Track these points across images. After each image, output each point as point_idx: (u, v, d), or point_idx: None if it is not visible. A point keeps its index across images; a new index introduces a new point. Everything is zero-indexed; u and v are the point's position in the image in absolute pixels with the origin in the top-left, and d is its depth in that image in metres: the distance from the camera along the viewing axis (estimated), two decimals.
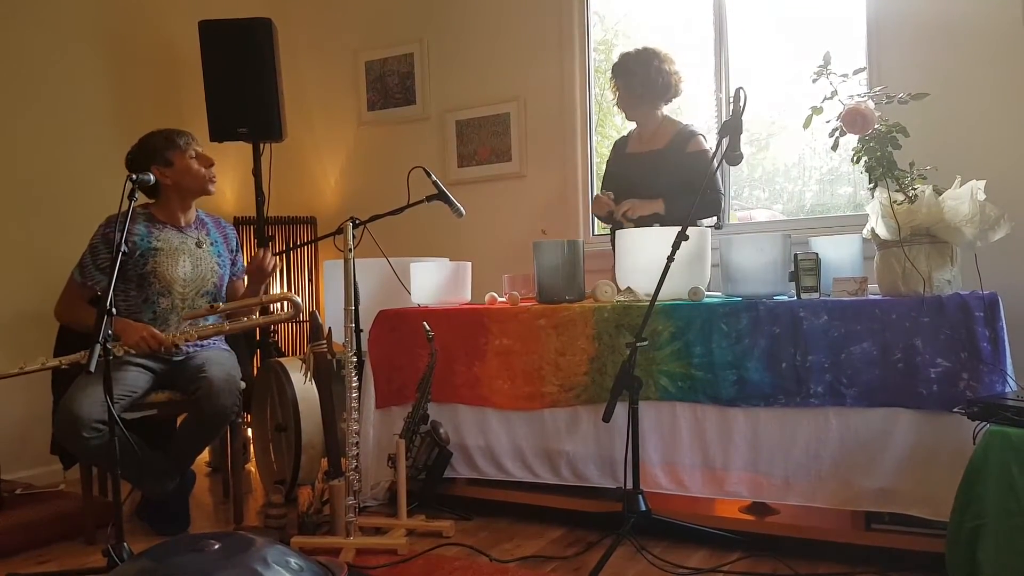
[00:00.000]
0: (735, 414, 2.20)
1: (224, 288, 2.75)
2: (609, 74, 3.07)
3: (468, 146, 3.86)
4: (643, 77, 2.97)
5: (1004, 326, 1.94)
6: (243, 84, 3.37)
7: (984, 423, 1.70)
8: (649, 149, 3.06)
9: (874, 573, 1.94)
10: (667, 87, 3.01)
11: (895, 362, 2.02)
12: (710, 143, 3.01)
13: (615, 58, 3.09)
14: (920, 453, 1.98)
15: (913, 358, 1.99)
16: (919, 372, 1.98)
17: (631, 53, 3.02)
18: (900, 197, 2.04)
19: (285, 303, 2.65)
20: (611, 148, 3.24)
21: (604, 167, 3.25)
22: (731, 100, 2.10)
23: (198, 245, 2.67)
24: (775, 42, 3.39)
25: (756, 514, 2.26)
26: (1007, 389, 1.90)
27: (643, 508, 2.14)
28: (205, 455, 3.41)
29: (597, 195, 3.08)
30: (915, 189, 2.05)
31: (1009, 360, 1.94)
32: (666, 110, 3.08)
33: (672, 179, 2.95)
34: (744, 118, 2.08)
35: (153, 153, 2.56)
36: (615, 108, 3.25)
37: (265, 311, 2.66)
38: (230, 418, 2.47)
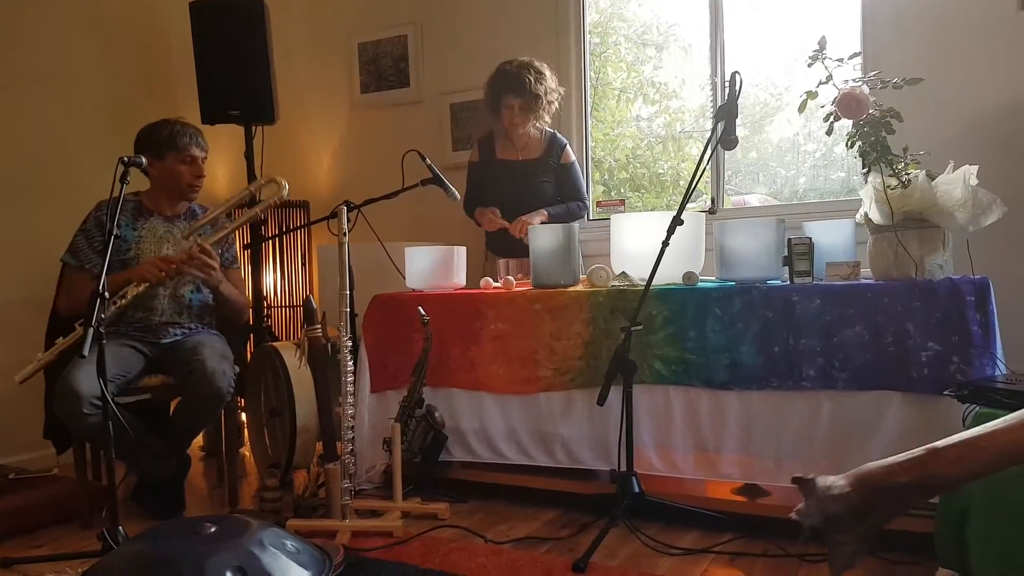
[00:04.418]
0: (728, 397, 2.22)
1: None
2: (502, 95, 3.03)
3: (463, 129, 3.84)
4: (541, 105, 3.04)
5: (995, 310, 1.96)
6: (235, 66, 3.34)
7: (974, 406, 1.71)
8: (524, 158, 3.15)
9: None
10: (557, 102, 3.13)
11: (887, 346, 2.03)
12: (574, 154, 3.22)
13: (611, 43, 3.11)
14: (910, 435, 1.99)
15: (904, 342, 2.01)
16: (910, 356, 2.00)
17: (525, 77, 2.98)
18: (893, 182, 2.05)
19: (270, 186, 2.66)
20: (475, 146, 3.27)
21: (472, 166, 3.28)
22: (726, 84, 2.09)
23: (185, 236, 2.66)
24: (770, 26, 3.38)
25: (748, 495, 2.28)
26: (997, 372, 1.92)
27: (636, 490, 2.16)
28: (199, 439, 3.41)
29: (485, 213, 3.10)
30: (908, 174, 2.06)
31: (999, 344, 1.96)
32: None
33: (548, 189, 3.12)
34: (739, 102, 2.08)
35: (153, 143, 2.59)
36: (605, 91, 3.26)
37: (254, 202, 2.70)
38: (224, 401, 2.47)
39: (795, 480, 1.20)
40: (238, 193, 2.67)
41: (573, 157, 3.18)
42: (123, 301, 2.41)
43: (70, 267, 2.56)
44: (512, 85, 3.00)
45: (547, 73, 3.06)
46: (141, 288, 2.44)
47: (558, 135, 3.19)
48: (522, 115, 3.04)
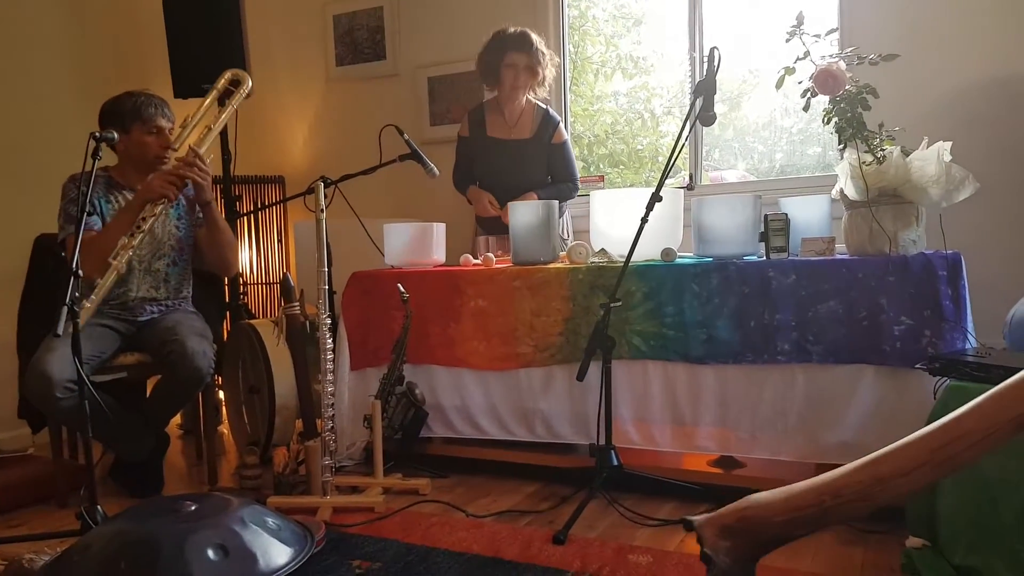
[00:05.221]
0: (704, 371, 2.25)
1: (187, 248, 2.67)
2: (505, 53, 2.98)
3: (441, 104, 3.80)
4: (544, 66, 3.01)
5: (966, 285, 2.00)
6: (207, 39, 3.27)
7: (945, 378, 1.75)
8: (517, 137, 3.09)
9: (837, 524, 2.02)
10: (555, 71, 3.10)
11: (860, 320, 2.07)
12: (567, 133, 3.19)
13: (590, 17, 3.08)
14: (883, 408, 2.04)
15: (878, 316, 2.05)
16: (883, 330, 2.04)
17: (529, 35, 2.98)
18: (869, 158, 2.07)
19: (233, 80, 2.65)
20: (466, 118, 3.20)
21: (461, 141, 3.21)
22: (705, 60, 2.09)
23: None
24: (749, 2, 3.37)
25: (724, 467, 2.33)
26: (967, 346, 1.96)
27: (615, 463, 2.19)
28: (177, 417, 3.39)
29: (481, 198, 3.05)
30: (883, 150, 2.07)
31: (970, 318, 2.01)
32: None
33: (540, 169, 3.09)
34: (718, 78, 2.08)
35: (117, 116, 2.51)
36: (584, 65, 3.23)
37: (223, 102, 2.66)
38: (204, 380, 2.45)
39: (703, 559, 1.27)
40: (204, 100, 2.60)
41: (566, 136, 3.14)
42: (145, 225, 2.34)
43: (72, 236, 2.48)
44: (517, 43, 2.96)
45: (542, 46, 3.04)
46: (159, 210, 2.38)
47: (551, 112, 3.13)
48: (525, 76, 2.99)
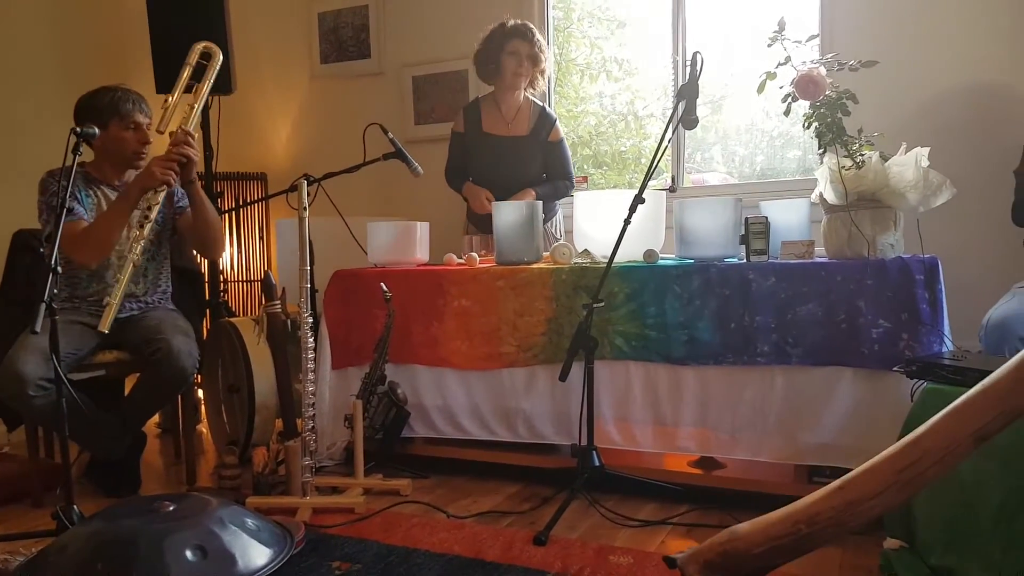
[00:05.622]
0: (685, 372, 2.26)
1: (164, 241, 2.64)
2: (507, 41, 2.98)
3: (425, 103, 3.79)
4: (544, 57, 3.03)
5: (943, 289, 2.03)
6: (191, 34, 3.22)
7: (922, 381, 1.78)
8: (513, 134, 3.09)
9: (815, 549, 2.03)
10: (549, 69, 3.13)
11: (839, 323, 2.09)
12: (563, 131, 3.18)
13: (575, 19, 3.10)
14: (861, 410, 2.07)
15: (856, 319, 2.07)
16: (861, 332, 2.06)
17: (531, 26, 3.02)
18: (848, 163, 2.09)
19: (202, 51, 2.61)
20: (461, 114, 3.17)
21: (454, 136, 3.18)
22: (688, 64, 2.11)
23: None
24: (732, 7, 3.39)
25: (704, 468, 2.34)
26: (944, 349, 1.99)
27: (597, 463, 2.20)
28: (155, 416, 3.35)
29: (478, 195, 3.02)
30: (863, 155, 2.10)
31: (946, 321, 2.03)
32: None
33: (536, 166, 3.09)
34: (700, 82, 2.10)
35: (94, 111, 2.46)
36: (569, 67, 3.25)
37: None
38: (188, 380, 2.42)
39: None
40: (179, 79, 2.55)
41: (562, 134, 3.14)
42: (152, 214, 2.31)
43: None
44: (519, 31, 2.98)
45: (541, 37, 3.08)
46: (161, 196, 2.34)
47: (548, 110, 3.14)
48: (528, 65, 2.99)
